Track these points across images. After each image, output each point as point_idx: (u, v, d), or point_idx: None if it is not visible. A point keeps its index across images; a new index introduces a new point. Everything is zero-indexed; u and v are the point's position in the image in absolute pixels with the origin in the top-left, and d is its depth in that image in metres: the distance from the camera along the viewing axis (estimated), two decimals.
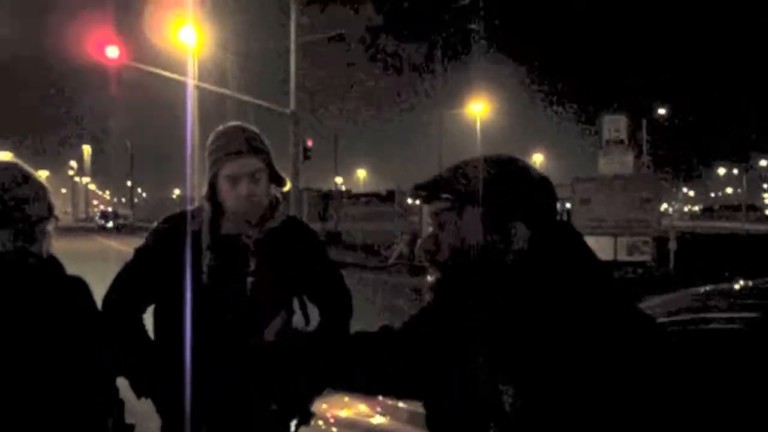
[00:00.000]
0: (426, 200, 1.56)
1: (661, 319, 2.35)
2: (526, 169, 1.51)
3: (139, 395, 2.65)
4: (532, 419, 1.34)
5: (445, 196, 1.51)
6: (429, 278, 1.57)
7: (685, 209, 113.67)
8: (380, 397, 3.37)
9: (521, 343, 1.38)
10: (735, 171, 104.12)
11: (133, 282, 2.71)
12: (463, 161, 1.55)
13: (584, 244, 1.50)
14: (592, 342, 1.34)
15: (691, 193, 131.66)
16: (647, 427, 1.31)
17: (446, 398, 1.53)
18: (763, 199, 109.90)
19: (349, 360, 1.83)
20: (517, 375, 1.37)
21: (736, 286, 2.78)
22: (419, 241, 1.58)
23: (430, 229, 1.56)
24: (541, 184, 1.51)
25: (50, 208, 2.20)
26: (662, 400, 1.32)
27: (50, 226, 2.21)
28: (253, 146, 2.62)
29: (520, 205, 1.46)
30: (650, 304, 2.65)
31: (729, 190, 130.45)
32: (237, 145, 2.59)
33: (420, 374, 1.66)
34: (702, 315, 2.32)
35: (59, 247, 2.29)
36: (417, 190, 1.56)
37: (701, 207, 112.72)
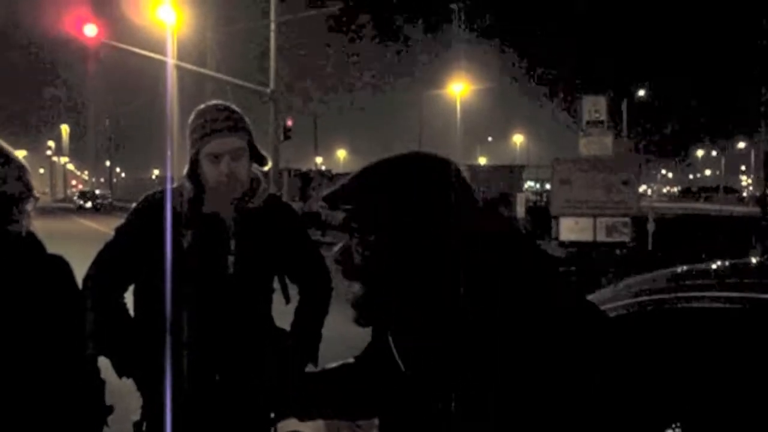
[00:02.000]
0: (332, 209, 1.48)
1: (639, 299, 2.39)
2: (430, 171, 1.41)
3: (120, 374, 2.65)
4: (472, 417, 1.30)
5: (344, 207, 1.45)
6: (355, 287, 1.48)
7: (664, 191, 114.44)
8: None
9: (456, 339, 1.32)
10: (713, 153, 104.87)
11: (114, 261, 2.70)
12: (365, 168, 1.48)
13: (514, 232, 1.44)
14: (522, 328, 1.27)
15: (670, 175, 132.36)
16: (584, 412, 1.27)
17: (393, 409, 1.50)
18: (741, 181, 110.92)
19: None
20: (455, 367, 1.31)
21: (713, 267, 2.81)
22: (333, 251, 1.51)
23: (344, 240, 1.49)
24: (446, 184, 1.39)
25: (29, 187, 2.17)
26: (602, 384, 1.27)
27: (29, 206, 2.18)
28: (234, 125, 2.61)
29: (421, 212, 1.36)
30: (628, 284, 2.69)
31: (707, 172, 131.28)
32: (218, 123, 2.58)
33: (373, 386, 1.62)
34: (678, 294, 2.35)
35: (37, 227, 2.26)
36: (322, 202, 1.48)
37: (680, 188, 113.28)
